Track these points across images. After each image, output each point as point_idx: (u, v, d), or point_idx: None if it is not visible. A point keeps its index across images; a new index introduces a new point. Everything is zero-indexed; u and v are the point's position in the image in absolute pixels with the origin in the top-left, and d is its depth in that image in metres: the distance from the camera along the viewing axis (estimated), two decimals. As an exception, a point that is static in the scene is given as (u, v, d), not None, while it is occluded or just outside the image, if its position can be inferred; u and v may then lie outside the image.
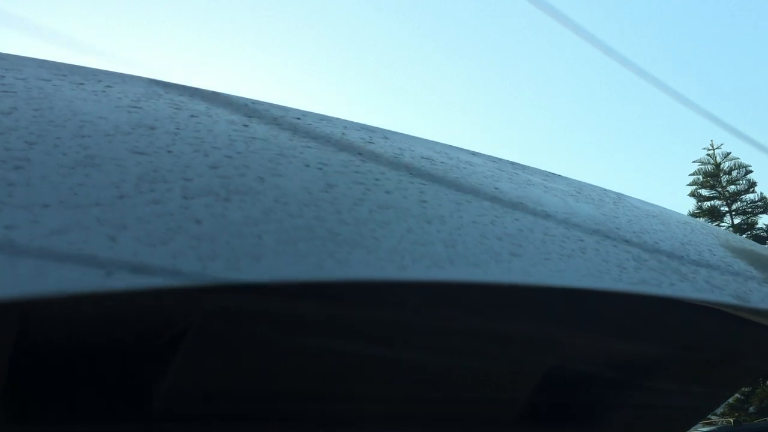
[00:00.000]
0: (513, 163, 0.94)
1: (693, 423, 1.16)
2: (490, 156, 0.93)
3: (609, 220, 0.74)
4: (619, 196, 0.98)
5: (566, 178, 0.98)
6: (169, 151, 0.51)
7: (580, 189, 0.91)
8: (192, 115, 0.64)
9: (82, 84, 0.66)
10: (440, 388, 0.81)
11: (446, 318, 0.64)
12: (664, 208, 1.06)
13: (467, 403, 0.87)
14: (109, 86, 0.67)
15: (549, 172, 0.98)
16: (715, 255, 0.75)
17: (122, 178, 0.43)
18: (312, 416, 0.76)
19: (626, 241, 0.66)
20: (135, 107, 0.62)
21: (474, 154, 0.91)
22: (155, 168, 0.46)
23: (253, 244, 0.38)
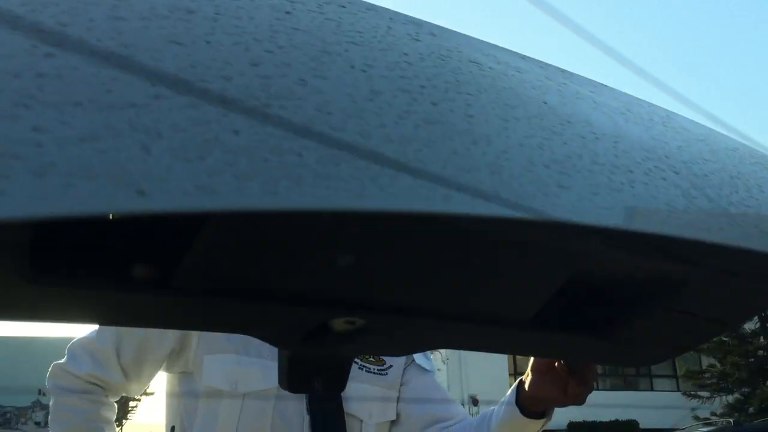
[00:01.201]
0: (562, 71, 0.89)
1: (711, 335, 1.16)
2: (538, 61, 0.88)
3: (659, 146, 0.71)
4: (669, 115, 0.94)
5: (616, 91, 0.93)
6: (207, 42, 0.47)
7: (629, 106, 0.86)
8: None
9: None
10: (453, 289, 0.81)
11: (466, 224, 0.62)
12: (713, 131, 1.01)
13: (481, 304, 0.87)
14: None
15: (598, 83, 0.93)
16: (763, 192, 0.72)
17: (158, 73, 0.40)
18: (331, 296, 0.76)
19: (675, 172, 0.63)
20: (173, -16, 0.57)
21: (523, 58, 0.86)
22: (193, 63, 0.43)
23: (293, 163, 0.36)
